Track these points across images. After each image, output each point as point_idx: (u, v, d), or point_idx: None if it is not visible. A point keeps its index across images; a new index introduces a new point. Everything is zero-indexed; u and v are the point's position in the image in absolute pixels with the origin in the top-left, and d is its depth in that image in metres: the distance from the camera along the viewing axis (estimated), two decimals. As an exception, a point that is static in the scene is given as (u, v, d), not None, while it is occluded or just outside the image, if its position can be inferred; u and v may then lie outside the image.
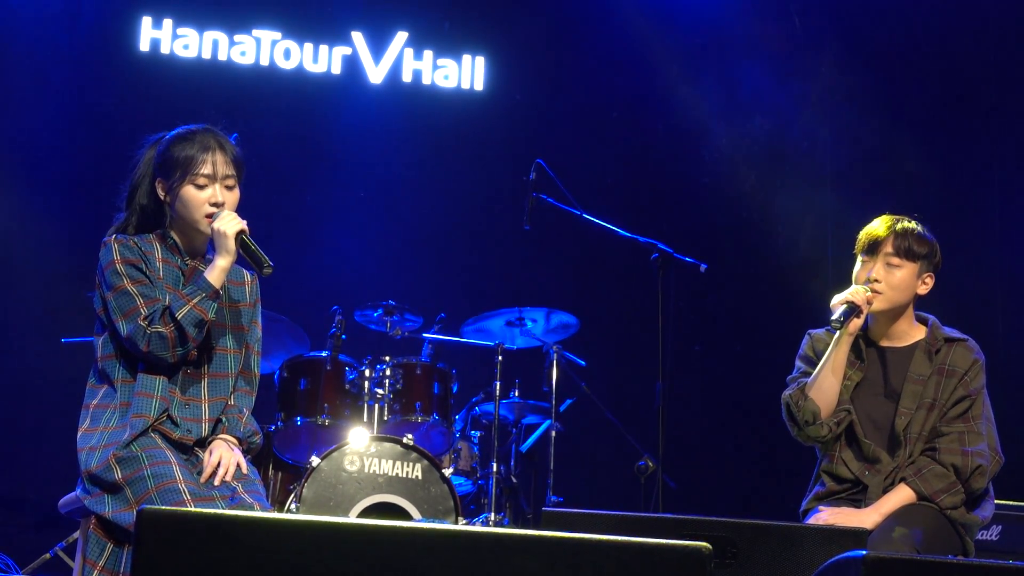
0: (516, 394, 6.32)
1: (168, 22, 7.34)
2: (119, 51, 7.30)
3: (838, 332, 3.67)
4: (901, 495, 3.59)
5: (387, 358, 5.61)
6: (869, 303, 3.67)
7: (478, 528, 2.27)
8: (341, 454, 4.88)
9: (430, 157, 7.51)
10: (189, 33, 7.37)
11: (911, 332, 3.79)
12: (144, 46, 7.30)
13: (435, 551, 2.04)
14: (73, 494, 3.29)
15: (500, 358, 5.84)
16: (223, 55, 7.40)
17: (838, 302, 3.67)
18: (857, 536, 2.93)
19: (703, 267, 5.29)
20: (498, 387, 5.84)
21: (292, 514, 4.48)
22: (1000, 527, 4.88)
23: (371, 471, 4.87)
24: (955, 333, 3.78)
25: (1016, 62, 7.50)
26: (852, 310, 3.64)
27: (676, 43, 7.72)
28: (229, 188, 3.31)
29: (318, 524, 2.09)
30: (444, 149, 7.52)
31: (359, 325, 6.07)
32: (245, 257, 3.29)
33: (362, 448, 4.90)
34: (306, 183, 7.41)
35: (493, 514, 5.61)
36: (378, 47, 7.58)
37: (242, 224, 3.25)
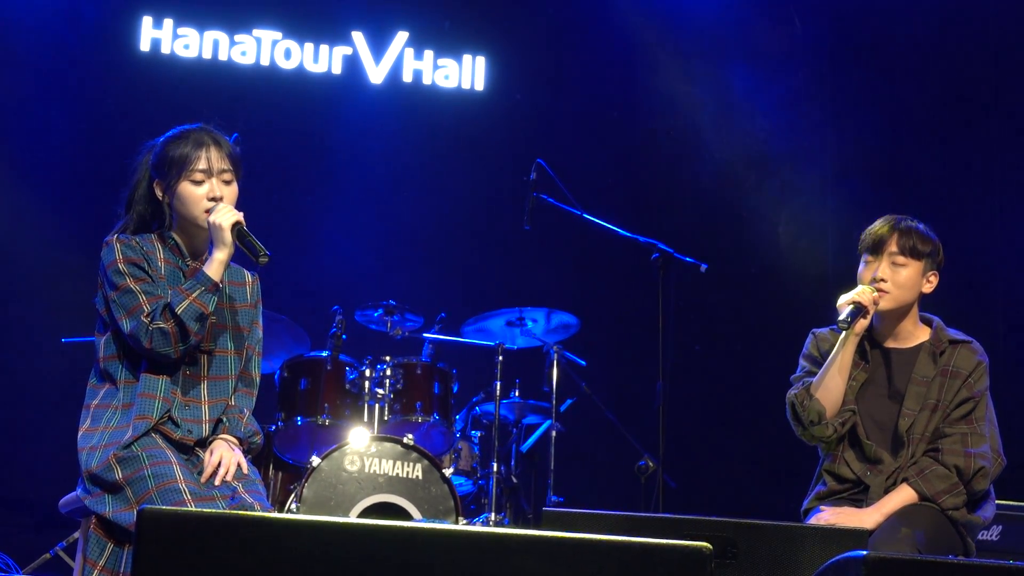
0: (516, 394, 6.32)
1: (169, 22, 7.34)
2: (120, 51, 7.30)
3: (844, 332, 3.65)
4: (903, 495, 3.59)
5: (387, 358, 5.61)
6: (876, 303, 3.66)
7: (478, 528, 2.27)
8: (341, 454, 4.88)
9: (430, 157, 7.51)
10: (190, 33, 7.36)
11: (916, 333, 3.78)
12: (145, 46, 7.30)
13: (435, 551, 2.05)
14: (73, 494, 3.28)
15: (500, 358, 5.85)
16: (224, 55, 7.40)
17: (844, 302, 3.65)
18: (858, 536, 2.93)
19: (703, 267, 5.29)
20: (498, 387, 5.84)
21: (292, 514, 4.48)
22: (1000, 527, 4.88)
23: (371, 471, 4.87)
24: (959, 335, 3.78)
25: (1016, 62, 7.49)
26: (859, 310, 3.63)
27: (676, 43, 7.72)
28: (226, 182, 3.31)
29: (318, 524, 2.09)
30: (444, 149, 7.52)
31: (359, 325, 6.07)
32: (242, 248, 3.27)
33: (362, 448, 4.91)
34: (307, 183, 7.41)
35: (493, 514, 5.61)
36: (378, 47, 7.58)
37: (238, 216, 3.25)
